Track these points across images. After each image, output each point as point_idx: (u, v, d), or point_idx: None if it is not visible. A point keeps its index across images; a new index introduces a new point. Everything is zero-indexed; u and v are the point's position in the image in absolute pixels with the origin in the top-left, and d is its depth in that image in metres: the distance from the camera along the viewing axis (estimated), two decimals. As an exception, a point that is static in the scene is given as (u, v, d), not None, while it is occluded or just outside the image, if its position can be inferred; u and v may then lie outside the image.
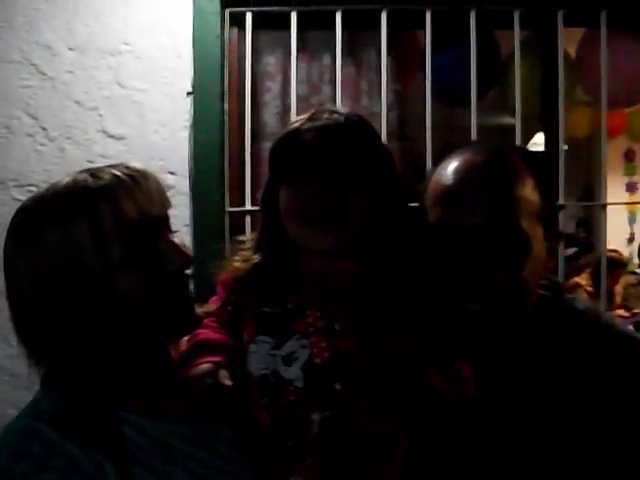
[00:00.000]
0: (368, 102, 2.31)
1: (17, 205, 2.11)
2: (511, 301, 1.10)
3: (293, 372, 1.03)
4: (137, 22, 2.13)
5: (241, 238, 1.21)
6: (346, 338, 1.02)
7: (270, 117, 2.32)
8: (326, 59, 2.29)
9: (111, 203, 0.96)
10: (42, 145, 2.13)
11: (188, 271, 1.04)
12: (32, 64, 2.15)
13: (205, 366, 1.04)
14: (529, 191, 1.11)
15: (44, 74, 2.15)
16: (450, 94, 2.40)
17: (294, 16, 2.14)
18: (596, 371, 1.10)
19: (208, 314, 1.13)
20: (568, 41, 2.34)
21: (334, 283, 1.05)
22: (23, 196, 2.10)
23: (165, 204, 1.04)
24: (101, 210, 0.96)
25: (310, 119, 1.09)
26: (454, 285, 1.09)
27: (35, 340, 0.98)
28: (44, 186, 2.06)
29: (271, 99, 2.32)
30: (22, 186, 2.12)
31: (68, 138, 2.13)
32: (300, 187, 1.06)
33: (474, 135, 2.14)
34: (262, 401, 1.05)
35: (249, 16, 2.15)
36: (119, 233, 0.96)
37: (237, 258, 1.15)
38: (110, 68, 2.13)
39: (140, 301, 0.97)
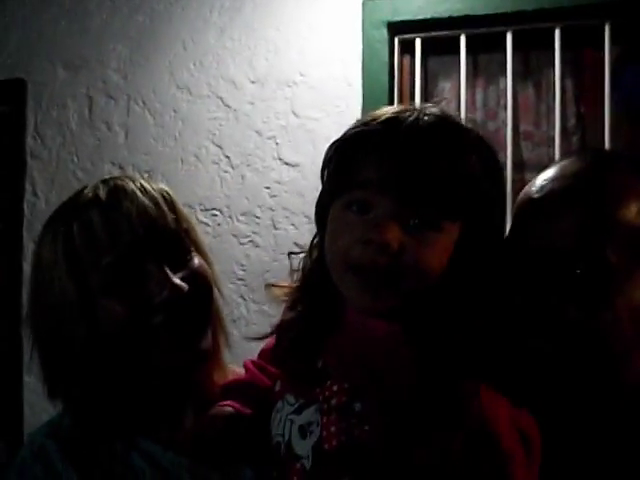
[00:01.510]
0: (547, 127, 2.24)
1: (202, 228, 2.33)
2: (588, 348, 0.85)
3: (304, 448, 0.81)
4: (311, 54, 2.25)
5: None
6: (366, 425, 0.77)
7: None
8: (502, 83, 2.22)
9: (83, 226, 0.90)
10: (225, 172, 2.31)
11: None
12: (218, 97, 2.35)
13: (222, 410, 0.91)
14: (630, 215, 0.85)
15: (228, 106, 2.33)
16: (638, 114, 2.26)
17: (463, 40, 2.14)
18: None
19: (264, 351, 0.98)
20: None
21: (368, 351, 0.79)
22: (208, 219, 2.31)
23: (159, 228, 0.92)
24: (73, 233, 0.90)
25: (391, 117, 0.80)
26: (520, 318, 0.86)
27: (42, 359, 0.96)
28: (226, 210, 2.30)
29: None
30: (207, 210, 2.30)
31: (248, 165, 2.29)
32: (355, 210, 0.79)
33: (659, 155, 2.00)
34: (273, 473, 0.86)
35: (418, 42, 2.18)
36: (94, 257, 0.89)
37: (291, 280, 0.93)
38: (286, 98, 2.26)
39: (122, 331, 0.90)
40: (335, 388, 0.81)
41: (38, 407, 2.31)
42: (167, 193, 0.97)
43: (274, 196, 2.26)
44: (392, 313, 0.77)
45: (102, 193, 0.92)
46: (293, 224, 2.21)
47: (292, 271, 0.91)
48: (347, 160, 0.80)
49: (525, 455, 0.76)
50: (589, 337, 0.85)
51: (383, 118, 0.80)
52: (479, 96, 2.23)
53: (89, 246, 0.90)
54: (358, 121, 0.84)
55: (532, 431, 0.79)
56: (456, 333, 0.76)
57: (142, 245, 0.91)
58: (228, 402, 0.91)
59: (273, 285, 0.93)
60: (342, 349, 0.81)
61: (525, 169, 2.14)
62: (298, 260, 0.92)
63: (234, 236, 2.29)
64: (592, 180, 0.88)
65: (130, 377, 0.94)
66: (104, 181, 0.96)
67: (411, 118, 0.78)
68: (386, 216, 0.75)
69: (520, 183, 2.00)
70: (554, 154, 2.07)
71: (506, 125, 2.14)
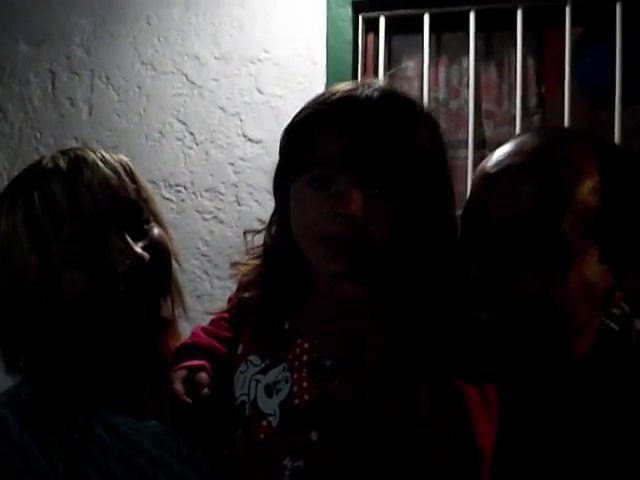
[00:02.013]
0: (509, 106, 2.26)
1: (166, 204, 2.32)
2: (540, 320, 0.87)
3: (271, 406, 0.83)
4: (276, 31, 2.24)
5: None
6: (336, 380, 0.80)
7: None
8: (465, 62, 2.24)
9: (44, 196, 0.90)
10: (189, 148, 2.31)
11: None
12: (183, 74, 2.33)
13: (179, 372, 0.89)
14: (584, 193, 0.86)
15: (193, 83, 2.32)
16: (599, 94, 2.29)
17: (427, 18, 2.15)
18: None
19: (223, 312, 1.00)
20: None
21: (338, 310, 0.84)
22: (172, 195, 2.30)
23: (120, 196, 0.93)
24: (34, 203, 0.90)
25: (344, 95, 0.83)
26: (472, 289, 0.87)
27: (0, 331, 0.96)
28: (190, 186, 2.29)
29: (407, 103, 2.33)
30: (171, 186, 2.30)
31: (212, 142, 2.28)
32: (317, 187, 0.82)
33: (618, 139, 2.04)
34: (238, 432, 0.87)
35: (382, 20, 2.19)
36: (55, 228, 0.90)
37: (249, 258, 0.96)
38: (250, 75, 2.26)
39: (83, 300, 0.91)
40: (306, 345, 0.84)
41: None
42: (127, 163, 0.98)
43: (238, 172, 2.26)
44: (358, 277, 0.83)
45: (62, 163, 0.92)
46: (257, 200, 2.21)
47: (249, 248, 0.96)
48: (304, 139, 0.84)
49: (485, 410, 0.82)
50: (542, 309, 0.87)
51: (336, 97, 0.83)
52: (442, 75, 2.26)
53: (51, 216, 0.90)
54: (311, 100, 0.87)
55: (490, 390, 0.85)
56: (416, 294, 0.82)
57: (104, 215, 0.92)
58: (187, 362, 0.92)
59: (238, 263, 0.96)
60: (313, 311, 0.86)
61: (487, 147, 2.16)
62: (253, 237, 0.96)
63: (198, 212, 2.28)
64: (548, 156, 0.89)
65: (91, 346, 0.95)
66: (63, 152, 0.96)
67: (362, 95, 0.82)
68: (348, 189, 0.80)
69: (481, 161, 2.02)
70: (515, 133, 2.09)
71: (468, 104, 2.16)
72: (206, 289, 2.23)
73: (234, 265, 0.98)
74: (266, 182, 2.15)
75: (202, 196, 2.29)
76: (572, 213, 0.85)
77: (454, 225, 0.89)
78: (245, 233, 0.97)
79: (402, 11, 2.19)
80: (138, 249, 0.93)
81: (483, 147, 2.17)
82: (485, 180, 0.92)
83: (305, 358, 0.83)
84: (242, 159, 2.25)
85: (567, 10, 2.07)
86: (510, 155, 0.91)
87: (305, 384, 0.82)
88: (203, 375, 0.89)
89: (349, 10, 2.17)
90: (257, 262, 0.94)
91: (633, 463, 0.86)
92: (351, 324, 0.82)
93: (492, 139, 2.18)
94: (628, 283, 0.92)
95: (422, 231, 0.83)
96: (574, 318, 0.90)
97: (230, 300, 1.00)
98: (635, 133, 2.07)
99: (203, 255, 2.26)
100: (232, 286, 1.03)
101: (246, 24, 2.28)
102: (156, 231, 0.98)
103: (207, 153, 2.28)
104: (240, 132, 2.25)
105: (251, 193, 2.22)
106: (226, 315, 1.00)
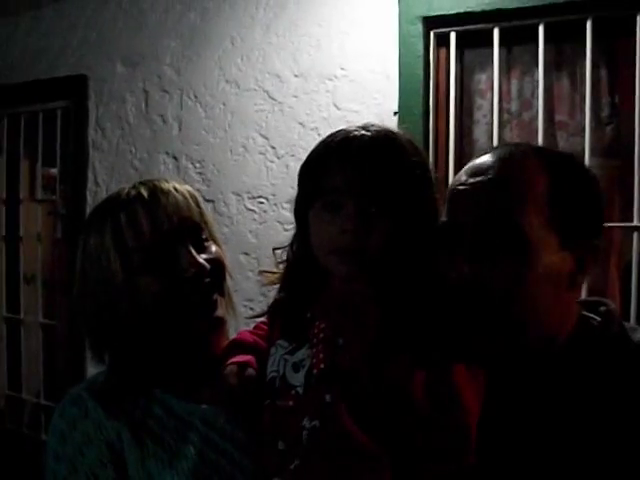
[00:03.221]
0: (581, 116, 2.28)
1: (250, 215, 2.47)
2: (511, 308, 1.01)
3: (298, 378, 1.06)
4: (351, 48, 2.35)
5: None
6: (346, 354, 1.04)
7: (481, 134, 2.39)
8: (536, 74, 2.26)
9: (129, 216, 1.11)
10: (271, 162, 2.45)
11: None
12: (264, 91, 2.48)
13: (230, 368, 1.13)
14: (537, 195, 1.02)
15: (274, 99, 2.47)
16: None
17: (497, 32, 2.21)
18: (632, 413, 0.97)
19: (263, 315, 1.23)
20: None
21: (349, 302, 1.08)
22: (255, 207, 2.46)
23: (188, 218, 1.15)
24: (121, 222, 1.12)
25: (344, 137, 1.07)
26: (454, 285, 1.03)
27: (89, 329, 1.18)
28: (272, 198, 2.44)
29: (481, 116, 2.39)
30: (254, 198, 2.45)
31: (292, 155, 2.42)
32: (329, 210, 1.06)
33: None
34: (267, 402, 1.10)
35: (453, 35, 2.27)
36: (137, 241, 1.11)
37: (276, 268, 1.20)
38: (328, 91, 2.38)
39: (157, 301, 1.12)
40: (323, 326, 1.08)
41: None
42: (193, 192, 1.22)
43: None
44: (362, 277, 1.07)
45: (144, 191, 1.14)
46: (334, 211, 2.33)
47: (277, 262, 1.19)
48: (317, 174, 1.09)
49: (472, 385, 1.02)
50: (513, 298, 1.01)
51: (338, 139, 1.08)
52: (514, 87, 2.30)
53: (134, 232, 1.12)
54: (321, 142, 1.11)
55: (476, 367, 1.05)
56: (405, 288, 1.06)
57: (175, 232, 1.13)
58: (236, 358, 1.15)
59: (266, 271, 1.22)
60: (328, 303, 1.10)
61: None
62: (281, 252, 1.19)
63: (279, 223, 2.43)
64: (503, 170, 1.05)
65: (159, 339, 1.16)
66: (142, 182, 1.19)
67: (360, 135, 1.06)
68: (352, 211, 1.04)
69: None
70: (587, 143, 2.13)
71: (539, 115, 2.21)
72: (287, 294, 2.37)
73: (262, 273, 1.24)
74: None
75: (283, 207, 2.43)
76: (528, 212, 1.01)
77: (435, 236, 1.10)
78: (274, 250, 1.20)
79: (472, 26, 2.25)
80: (201, 260, 1.15)
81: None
82: (452, 193, 1.09)
83: (322, 336, 1.07)
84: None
85: (638, 19, 2.08)
86: (472, 173, 1.07)
87: (321, 356, 1.05)
88: (250, 371, 1.13)
89: (420, 27, 2.25)
90: (281, 271, 1.18)
91: (610, 444, 0.97)
92: (357, 311, 1.07)
93: (565, 150, 2.21)
94: (589, 267, 1.06)
95: (410, 240, 1.07)
96: (540, 306, 1.03)
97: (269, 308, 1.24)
98: None
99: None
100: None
101: (323, 42, 2.40)
102: (214, 248, 1.21)
103: (287, 166, 2.42)
104: (318, 146, 2.38)
105: (328, 204, 2.34)
106: (265, 319, 1.23)
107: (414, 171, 1.08)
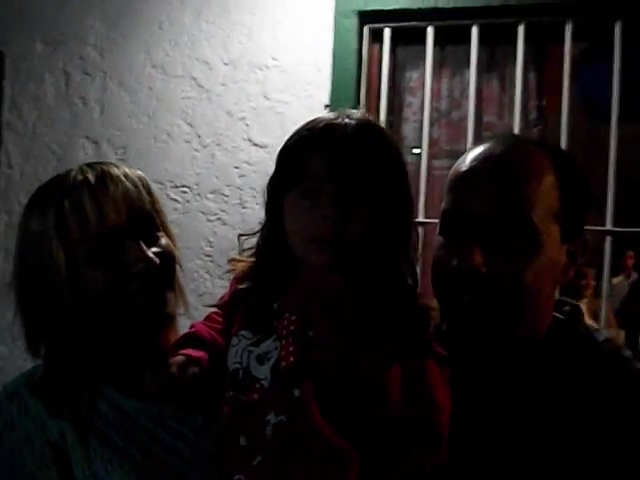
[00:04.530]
0: (509, 118, 2.30)
1: (172, 204, 2.38)
2: (506, 297, 1.03)
3: (263, 371, 1.01)
4: (284, 39, 2.31)
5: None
6: (317, 347, 0.99)
7: (409, 132, 2.39)
8: (467, 74, 2.29)
9: (74, 204, 1.05)
10: (196, 151, 2.38)
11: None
12: (192, 78, 2.40)
13: (178, 358, 1.06)
14: (547, 187, 1.04)
15: (202, 87, 2.39)
16: (597, 109, 2.34)
17: (431, 31, 2.21)
18: (604, 408, 1.02)
19: (217, 306, 1.15)
20: None
21: (322, 293, 1.03)
22: (178, 196, 2.37)
23: (138, 208, 1.08)
24: (65, 209, 1.05)
25: (328, 124, 1.03)
26: (454, 274, 1.05)
27: (25, 317, 1.10)
28: (195, 188, 2.36)
29: (411, 114, 2.39)
30: (177, 187, 2.36)
31: (218, 145, 2.35)
32: (308, 197, 1.02)
33: (614, 153, 2.09)
34: (228, 394, 1.04)
35: (387, 32, 2.25)
36: (81, 232, 1.04)
37: (245, 255, 1.14)
38: (258, 81, 2.33)
39: (102, 296, 1.05)
40: (293, 318, 1.02)
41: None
42: (144, 179, 1.14)
43: (243, 176, 2.33)
44: (337, 267, 1.03)
45: (91, 176, 1.07)
46: (259, 203, 2.22)
47: (242, 250, 1.13)
48: (296, 160, 1.04)
49: (443, 379, 1.01)
50: (514, 290, 1.03)
51: (321, 125, 1.03)
52: (444, 86, 2.32)
53: (79, 221, 1.05)
54: (301, 127, 1.06)
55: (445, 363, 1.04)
56: (380, 279, 1.03)
57: (123, 223, 1.06)
58: (181, 351, 1.07)
59: (236, 259, 1.14)
60: (298, 294, 1.04)
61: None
62: (244, 240, 1.13)
63: (203, 213, 2.35)
64: (514, 160, 1.07)
65: (103, 335, 1.09)
66: (90, 165, 1.11)
67: (342, 123, 1.02)
68: (333, 198, 1.00)
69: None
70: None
71: (469, 115, 2.22)
72: (208, 288, 2.30)
73: (231, 261, 1.15)
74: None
75: (207, 198, 2.35)
76: (540, 204, 1.03)
77: (412, 225, 1.08)
78: (240, 236, 1.13)
79: (407, 23, 2.24)
80: (150, 254, 1.08)
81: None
82: (463, 181, 1.09)
83: (292, 328, 1.01)
84: (247, 163, 2.32)
85: (568, 27, 2.12)
86: (483, 159, 1.08)
87: (291, 349, 1.00)
88: (195, 369, 1.05)
89: (355, 21, 2.23)
90: (251, 259, 1.11)
91: (574, 425, 1.02)
92: (329, 302, 1.02)
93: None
94: (578, 261, 1.10)
95: (387, 230, 1.03)
96: (541, 295, 1.06)
97: (222, 298, 1.16)
98: (630, 148, 2.12)
99: (206, 255, 2.33)
100: (234, 286, 1.13)
101: (255, 31, 2.34)
102: (164, 240, 1.14)
103: (213, 156, 2.35)
104: (246, 136, 2.32)
105: (254, 196, 2.28)
106: (219, 311, 1.15)
107: (395, 160, 1.05)
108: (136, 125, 2.46)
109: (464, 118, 2.26)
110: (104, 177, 1.07)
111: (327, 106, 2.22)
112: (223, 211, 2.34)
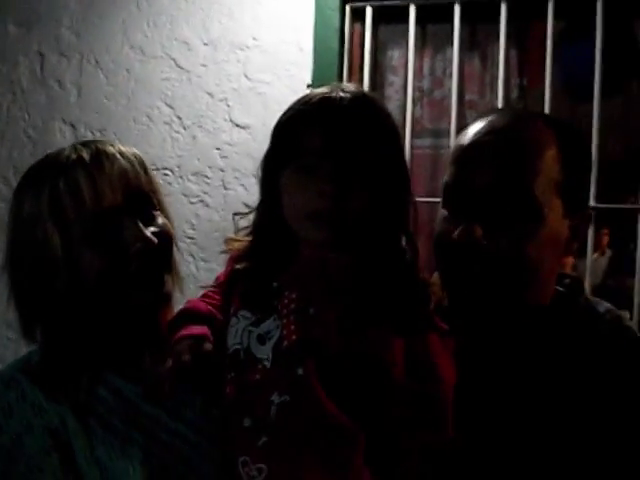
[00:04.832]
0: (491, 96, 2.31)
1: (153, 187, 2.33)
2: (507, 270, 1.03)
3: (264, 351, 1.00)
4: (265, 18, 2.28)
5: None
6: (319, 324, 0.98)
7: (392, 110, 2.34)
8: (449, 53, 2.28)
9: (69, 184, 1.02)
10: (177, 132, 2.34)
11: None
12: (171, 58, 2.37)
13: (186, 342, 1.02)
14: (548, 160, 1.04)
15: (181, 67, 2.35)
16: (578, 87, 2.35)
17: (413, 9, 2.20)
18: (606, 377, 1.04)
19: (213, 286, 1.13)
20: None
21: (322, 271, 1.02)
22: (159, 178, 2.29)
23: (135, 186, 1.05)
24: (60, 189, 1.02)
25: (323, 98, 1.01)
26: (457, 247, 1.05)
27: (19, 302, 1.08)
28: (177, 170, 2.33)
29: (393, 92, 2.38)
30: (158, 169, 2.33)
31: (199, 126, 2.32)
32: (305, 173, 1.00)
33: (596, 131, 2.10)
34: (230, 375, 1.02)
35: (369, 10, 2.23)
36: (77, 212, 1.02)
37: (241, 234, 1.12)
38: (239, 61, 2.29)
39: (100, 278, 1.03)
40: (294, 296, 1.01)
41: None
42: (140, 157, 1.11)
43: (224, 157, 2.30)
44: (336, 244, 1.01)
45: (85, 155, 1.04)
46: (242, 185, 2.25)
47: (237, 230, 1.11)
48: (292, 135, 1.02)
49: (446, 352, 1.00)
50: (518, 263, 1.03)
51: (316, 99, 1.01)
52: (426, 65, 2.30)
53: (74, 201, 1.02)
54: (295, 102, 1.04)
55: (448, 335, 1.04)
56: (378, 255, 1.02)
57: (120, 202, 1.04)
58: (188, 329, 1.05)
59: (232, 239, 1.12)
60: (298, 272, 1.03)
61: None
62: (240, 219, 1.11)
63: (185, 195, 2.32)
64: (517, 133, 1.07)
65: (101, 317, 1.07)
66: (84, 144, 1.08)
67: (337, 97, 1.00)
68: (330, 172, 0.98)
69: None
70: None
71: (451, 94, 2.21)
72: (191, 271, 2.27)
73: (228, 241, 1.12)
74: (252, 167, 2.22)
75: (189, 180, 2.32)
76: (541, 177, 1.03)
77: (410, 199, 1.06)
78: (234, 215, 1.11)
79: (389, 2, 2.23)
80: (148, 233, 1.05)
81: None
82: (465, 154, 1.09)
83: (293, 306, 1.00)
84: (229, 144, 2.29)
85: (550, 4, 2.12)
86: (486, 133, 1.07)
87: (293, 327, 0.99)
88: (208, 345, 1.03)
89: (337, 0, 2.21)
90: (248, 238, 1.09)
91: (577, 394, 1.03)
92: (329, 279, 1.01)
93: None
94: (581, 236, 1.12)
95: (385, 204, 1.02)
96: (543, 269, 1.06)
97: (218, 278, 1.14)
98: (612, 125, 2.12)
99: (189, 238, 2.30)
100: (217, 268, 1.11)
101: (235, 11, 2.31)
102: (161, 219, 1.11)
103: (194, 137, 2.32)
104: (227, 117, 2.29)
105: (237, 177, 2.26)
106: (216, 289, 1.12)
107: (391, 133, 1.04)
108: (114, 107, 2.42)
109: (447, 97, 2.26)
110: (99, 155, 1.04)
111: (309, 86, 2.19)
112: (205, 193, 2.31)
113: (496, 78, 2.22)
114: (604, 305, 1.13)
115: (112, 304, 1.05)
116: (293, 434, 0.95)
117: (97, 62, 2.44)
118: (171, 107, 2.35)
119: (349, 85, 1.05)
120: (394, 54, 2.33)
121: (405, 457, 0.97)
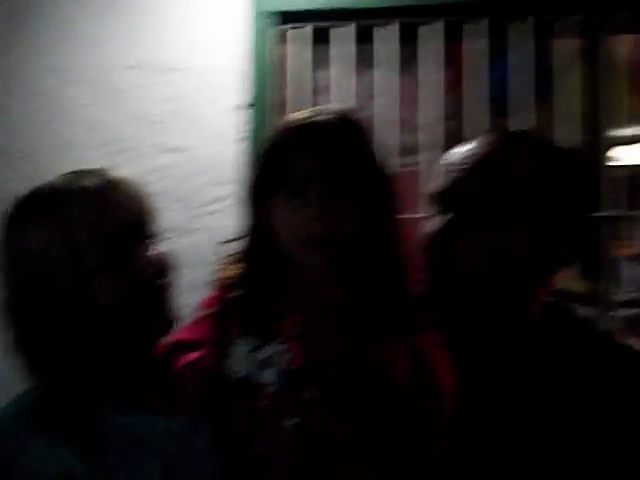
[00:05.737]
0: (418, 114, 2.33)
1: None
2: (500, 286, 1.09)
3: (268, 377, 1.02)
4: (193, 40, 2.23)
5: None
6: (322, 345, 1.02)
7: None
8: (380, 72, 2.30)
9: (81, 214, 1.01)
10: (104, 159, 2.24)
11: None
12: (93, 83, 2.27)
13: (191, 370, 1.06)
14: (524, 171, 1.10)
15: (105, 92, 2.27)
16: (499, 104, 2.43)
17: (334, 32, 2.25)
18: (590, 381, 1.07)
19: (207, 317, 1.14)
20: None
21: (321, 293, 1.06)
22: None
23: (138, 214, 1.07)
24: (71, 220, 1.01)
25: (305, 122, 1.04)
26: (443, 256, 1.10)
27: (18, 339, 1.04)
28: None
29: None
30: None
31: (126, 152, 2.24)
32: (294, 198, 1.02)
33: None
34: (237, 404, 1.04)
35: (301, 32, 2.25)
36: (91, 242, 1.00)
37: (231, 263, 1.14)
38: (167, 84, 2.23)
39: (113, 305, 1.01)
40: (294, 320, 1.04)
41: None
42: (134, 182, 1.11)
43: (154, 182, 2.20)
44: (330, 265, 1.04)
45: (90, 184, 1.03)
46: (174, 210, 2.17)
47: (224, 257, 1.14)
48: (278, 161, 1.04)
49: (445, 360, 1.03)
50: (501, 277, 1.08)
51: (300, 124, 1.04)
52: (358, 85, 2.31)
53: (88, 231, 1.00)
54: (279, 128, 1.07)
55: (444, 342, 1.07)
56: (371, 272, 1.05)
57: (128, 230, 1.04)
58: (186, 357, 1.08)
59: (225, 267, 1.13)
60: (297, 294, 1.07)
61: (404, 154, 2.24)
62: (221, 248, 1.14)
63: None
64: (495, 153, 1.13)
65: (110, 347, 1.05)
66: (80, 173, 1.07)
67: (320, 121, 1.03)
68: (320, 197, 1.00)
69: (398, 167, 2.10)
70: (430, 140, 2.21)
71: (381, 113, 2.25)
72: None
73: (216, 271, 1.14)
74: (185, 191, 2.14)
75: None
76: (517, 188, 1.09)
77: (398, 216, 1.09)
78: (221, 244, 1.14)
79: (323, 23, 2.25)
80: (158, 258, 1.08)
81: (404, 154, 2.24)
82: (452, 171, 1.14)
83: (294, 330, 1.03)
84: (158, 169, 2.20)
85: (465, 27, 2.21)
86: (472, 154, 1.14)
87: (297, 351, 1.02)
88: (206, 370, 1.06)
89: (270, 21, 2.20)
90: (236, 267, 1.11)
91: (566, 400, 1.06)
92: (329, 301, 1.05)
93: (406, 145, 2.26)
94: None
95: (376, 223, 1.04)
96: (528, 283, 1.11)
97: (203, 304, 1.16)
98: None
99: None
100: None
101: (162, 33, 2.25)
102: (159, 245, 1.12)
103: (122, 164, 2.21)
104: (157, 142, 2.22)
105: (169, 202, 2.17)
106: (204, 318, 1.13)
107: (376, 154, 1.06)
108: (36, 133, 2.30)
109: (375, 115, 2.27)
110: (104, 184, 1.05)
111: (251, 105, 2.17)
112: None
113: (426, 97, 2.27)
114: (584, 311, 1.21)
115: (123, 333, 1.04)
116: (308, 455, 0.97)
117: (11, 87, 2.32)
118: (94, 132, 2.25)
119: (332, 107, 1.07)
120: (324, 75, 2.34)
121: (409, 468, 0.98)
